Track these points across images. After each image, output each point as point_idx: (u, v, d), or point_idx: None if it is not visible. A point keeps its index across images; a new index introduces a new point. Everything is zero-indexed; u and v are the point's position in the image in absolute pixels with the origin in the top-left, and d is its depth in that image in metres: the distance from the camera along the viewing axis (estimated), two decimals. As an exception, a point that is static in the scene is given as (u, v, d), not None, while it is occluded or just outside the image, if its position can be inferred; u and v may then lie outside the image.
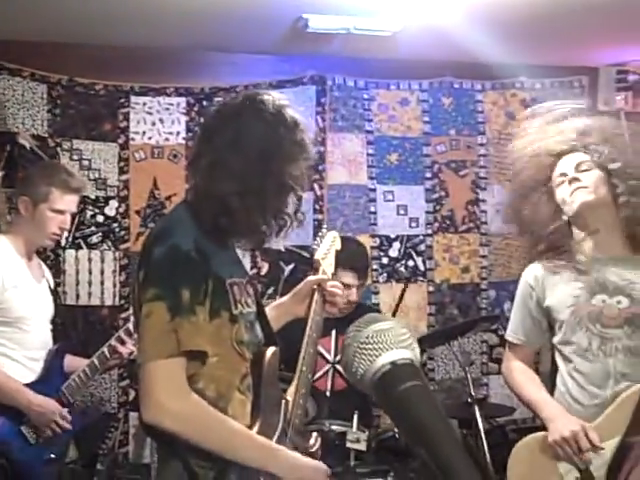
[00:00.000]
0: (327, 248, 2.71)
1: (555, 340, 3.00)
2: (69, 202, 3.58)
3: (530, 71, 5.41)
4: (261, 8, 4.31)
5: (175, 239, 2.07)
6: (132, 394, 4.66)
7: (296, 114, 2.20)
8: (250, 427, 2.16)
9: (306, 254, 4.64)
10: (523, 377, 3.06)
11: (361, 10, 4.40)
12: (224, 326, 2.11)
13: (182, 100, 4.96)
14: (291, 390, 2.40)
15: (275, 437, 2.22)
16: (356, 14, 4.47)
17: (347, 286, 3.93)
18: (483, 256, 5.35)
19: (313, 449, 2.46)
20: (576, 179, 2.89)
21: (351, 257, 3.86)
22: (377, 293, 5.18)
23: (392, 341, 0.90)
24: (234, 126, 2.13)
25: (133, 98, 4.89)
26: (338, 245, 2.80)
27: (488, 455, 3.76)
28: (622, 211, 2.87)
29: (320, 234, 2.77)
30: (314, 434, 2.53)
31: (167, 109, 4.94)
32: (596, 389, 2.83)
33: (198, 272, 2.05)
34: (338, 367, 3.98)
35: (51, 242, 3.65)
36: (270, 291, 4.91)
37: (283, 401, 2.34)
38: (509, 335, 3.14)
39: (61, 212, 3.55)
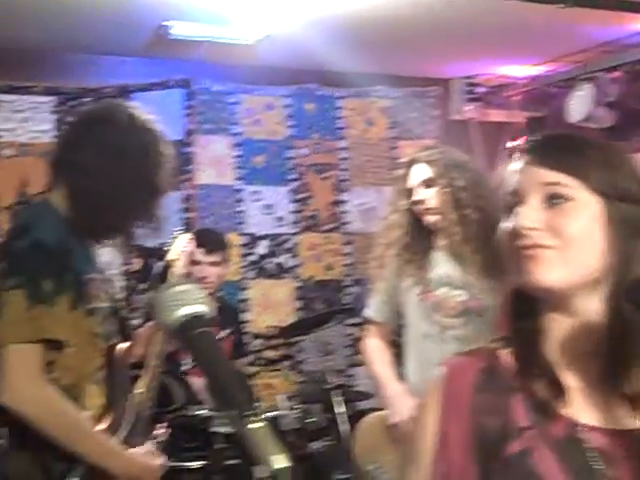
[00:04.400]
0: (179, 250, 2.83)
1: (403, 323, 3.23)
2: None
3: (388, 80, 5.70)
4: (125, 13, 4.40)
5: (38, 232, 2.16)
6: None
7: (159, 126, 2.39)
8: (100, 419, 2.25)
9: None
10: (375, 354, 3.28)
11: (220, 19, 4.55)
12: (81, 318, 2.20)
13: (50, 99, 4.97)
14: (141, 383, 2.50)
15: (124, 429, 2.32)
16: (216, 23, 4.62)
17: (197, 263, 4.12)
18: (346, 254, 5.59)
19: (161, 439, 2.58)
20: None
21: (200, 236, 3.98)
22: (246, 289, 5.34)
23: (189, 298, 1.15)
24: (112, 135, 2.28)
25: (0, 96, 4.87)
26: (191, 247, 2.93)
27: (347, 436, 3.97)
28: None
29: (173, 236, 2.89)
30: (163, 424, 2.66)
31: (35, 108, 4.93)
32: (433, 373, 3.03)
33: (59, 264, 2.15)
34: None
35: None
36: (142, 286, 4.98)
37: (133, 394, 2.43)
38: (367, 313, 3.34)
39: None
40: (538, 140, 1.29)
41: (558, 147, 1.27)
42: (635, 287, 1.19)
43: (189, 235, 2.94)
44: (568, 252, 1.19)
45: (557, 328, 1.24)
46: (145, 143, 2.31)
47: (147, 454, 2.35)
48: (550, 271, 1.19)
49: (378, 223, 5.39)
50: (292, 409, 4.28)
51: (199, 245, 3.87)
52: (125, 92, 5.05)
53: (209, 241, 4.22)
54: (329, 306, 5.44)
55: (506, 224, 1.25)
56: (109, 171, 2.23)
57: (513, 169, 1.27)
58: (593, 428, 1.21)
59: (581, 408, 1.22)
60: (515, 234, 1.22)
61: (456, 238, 3.05)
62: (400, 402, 3.05)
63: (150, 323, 2.58)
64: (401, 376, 3.21)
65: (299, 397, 4.60)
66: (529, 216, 1.22)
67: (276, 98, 5.55)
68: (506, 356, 1.27)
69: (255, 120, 5.47)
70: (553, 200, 1.22)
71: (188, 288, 1.16)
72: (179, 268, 2.80)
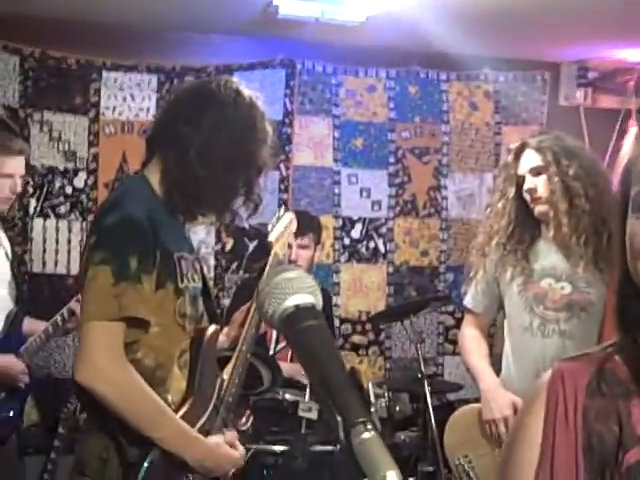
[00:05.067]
0: (281, 230, 2.73)
1: (502, 314, 3.14)
2: (15, 165, 3.59)
3: (494, 64, 5.54)
4: (233, -9, 4.41)
5: (128, 208, 2.12)
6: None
7: (260, 101, 2.32)
8: (182, 404, 2.19)
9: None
10: (472, 344, 3.20)
11: (329, -2, 4.52)
12: (168, 298, 2.15)
13: (153, 77, 5.04)
14: (228, 368, 2.40)
15: (205, 415, 2.24)
16: (325, 1, 4.57)
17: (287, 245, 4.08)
18: (442, 240, 5.49)
19: (243, 427, 2.52)
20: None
21: None
22: (338, 272, 5.31)
23: (298, 287, 1.04)
24: (214, 109, 2.23)
25: (104, 73, 4.97)
26: (294, 227, 2.83)
27: (435, 427, 3.90)
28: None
29: (277, 215, 2.78)
30: (247, 412, 2.58)
31: (138, 85, 5.01)
32: (532, 366, 2.93)
33: (148, 242, 2.10)
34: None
35: (5, 206, 3.67)
36: (233, 266, 5.03)
37: (219, 379, 2.35)
38: (467, 302, 3.25)
39: (9, 176, 3.57)
40: None
41: None
42: None
43: (291, 215, 2.83)
44: None
45: None
46: (244, 117, 2.25)
47: (227, 444, 2.25)
48: None
49: (479, 210, 5.32)
50: (379, 397, 4.23)
51: None
52: (228, 71, 5.08)
53: (299, 223, 4.17)
54: (422, 293, 5.36)
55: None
56: (203, 145, 2.18)
57: None
58: None
59: None
60: None
61: (564, 229, 2.93)
62: (495, 397, 2.98)
63: (244, 306, 2.51)
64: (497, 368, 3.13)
65: (386, 385, 4.55)
66: None
67: (379, 80, 5.48)
68: (619, 359, 1.18)
69: (356, 102, 5.42)
70: None
71: (297, 275, 1.05)
72: (281, 249, 2.70)
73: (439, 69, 5.53)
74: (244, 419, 2.56)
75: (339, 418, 0.91)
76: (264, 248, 3.93)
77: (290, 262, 4.09)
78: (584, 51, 5.47)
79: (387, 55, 5.39)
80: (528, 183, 2.98)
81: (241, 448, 2.31)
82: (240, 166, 2.24)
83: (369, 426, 0.89)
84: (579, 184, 2.92)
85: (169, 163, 2.22)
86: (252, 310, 2.45)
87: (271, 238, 2.68)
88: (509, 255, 3.05)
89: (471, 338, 3.22)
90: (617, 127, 5.58)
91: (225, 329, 2.48)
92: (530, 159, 3.00)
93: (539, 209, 2.99)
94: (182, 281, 2.19)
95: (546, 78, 5.67)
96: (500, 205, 3.08)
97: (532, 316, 2.99)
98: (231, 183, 2.24)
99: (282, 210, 2.84)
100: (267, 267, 2.58)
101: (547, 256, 3.01)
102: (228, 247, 5.06)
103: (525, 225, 3.05)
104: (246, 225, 4.91)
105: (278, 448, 3.71)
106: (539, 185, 2.96)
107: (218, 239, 5.04)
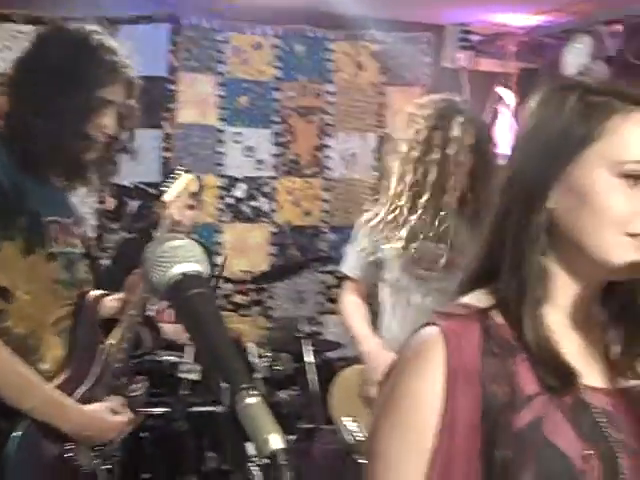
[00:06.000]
0: (178, 190, 2.64)
1: (380, 278, 3.17)
2: None
3: (380, 24, 5.58)
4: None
5: None
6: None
7: (107, 39, 2.19)
8: (59, 372, 2.14)
9: (153, 192, 4.68)
10: (352, 310, 3.23)
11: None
12: (39, 263, 2.08)
13: (31, 29, 4.86)
14: (116, 333, 2.33)
15: (89, 383, 2.19)
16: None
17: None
18: (325, 200, 5.55)
19: (135, 393, 2.47)
20: None
21: None
22: (221, 232, 5.31)
23: (184, 256, 1.05)
24: (35, 52, 2.13)
25: (-24, 22, 4.79)
26: (194, 188, 2.74)
27: (316, 385, 3.99)
28: None
29: (173, 175, 2.68)
30: (140, 377, 2.55)
31: (15, 37, 4.84)
32: (413, 326, 2.99)
33: (7, 206, 2.02)
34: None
35: None
36: (115, 226, 4.96)
37: (102, 345, 2.28)
38: (345, 269, 3.26)
39: None
40: None
41: None
42: None
43: (191, 176, 2.71)
44: None
45: (567, 295, 1.17)
46: (81, 56, 2.12)
47: (107, 410, 2.20)
48: None
49: (362, 170, 5.40)
50: (260, 357, 4.28)
51: None
52: (111, 24, 4.93)
53: None
54: (304, 252, 5.41)
55: (620, 198, 1.11)
56: (30, 89, 2.07)
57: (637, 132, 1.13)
58: (595, 389, 1.16)
59: (582, 369, 1.15)
60: (632, 218, 1.10)
61: (454, 193, 2.97)
62: (377, 358, 3.03)
63: (139, 270, 2.33)
64: (378, 330, 3.17)
65: (268, 344, 4.60)
66: None
67: (265, 38, 5.45)
68: (497, 316, 1.16)
69: (242, 60, 5.38)
70: None
71: (184, 243, 1.07)
72: (178, 210, 2.62)
73: (325, 28, 5.53)
74: (138, 384, 2.52)
75: (224, 384, 0.94)
76: (150, 208, 3.85)
77: (176, 222, 4.06)
78: (467, 14, 5.55)
79: (275, 13, 5.35)
80: (460, 156, 2.94)
81: (128, 414, 2.26)
82: (60, 107, 2.09)
83: (253, 392, 0.92)
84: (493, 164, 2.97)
85: (5, 118, 2.12)
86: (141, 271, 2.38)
87: (166, 198, 2.60)
88: (388, 218, 3.05)
89: (350, 304, 3.24)
90: (495, 90, 5.71)
91: (121, 294, 2.40)
92: (468, 133, 2.95)
93: (456, 180, 2.97)
94: (54, 246, 2.12)
95: (430, 40, 5.73)
96: (407, 168, 3.00)
97: (410, 278, 3.03)
98: (52, 125, 2.08)
99: (180, 170, 2.72)
100: (160, 228, 2.53)
101: (426, 218, 3.01)
102: (110, 207, 4.99)
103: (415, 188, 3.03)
104: (128, 184, 4.85)
105: (157, 410, 3.72)
106: (468, 160, 2.95)
107: (100, 198, 4.96)
